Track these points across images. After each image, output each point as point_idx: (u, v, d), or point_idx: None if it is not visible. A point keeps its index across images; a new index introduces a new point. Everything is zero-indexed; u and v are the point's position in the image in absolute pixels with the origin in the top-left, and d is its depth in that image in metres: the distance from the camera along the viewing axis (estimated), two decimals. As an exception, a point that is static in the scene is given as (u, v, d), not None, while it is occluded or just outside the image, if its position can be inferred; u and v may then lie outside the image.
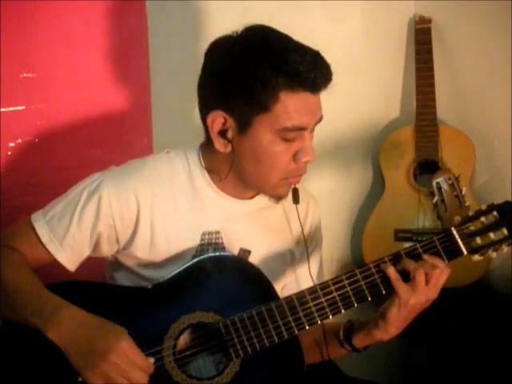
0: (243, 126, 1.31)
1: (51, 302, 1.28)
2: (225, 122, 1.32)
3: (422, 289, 1.30)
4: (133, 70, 1.83)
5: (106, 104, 1.78)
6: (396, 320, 1.34)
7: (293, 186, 1.41)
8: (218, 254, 1.39)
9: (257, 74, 1.26)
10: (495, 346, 2.03)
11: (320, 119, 1.35)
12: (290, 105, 1.28)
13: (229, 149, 1.34)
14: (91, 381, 1.21)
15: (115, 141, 1.81)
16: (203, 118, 1.37)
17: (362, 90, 2.43)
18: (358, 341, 1.42)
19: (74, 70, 1.73)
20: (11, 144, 1.67)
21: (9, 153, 1.67)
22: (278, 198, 1.40)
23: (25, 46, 1.66)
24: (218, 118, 1.32)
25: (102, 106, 1.78)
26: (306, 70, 1.26)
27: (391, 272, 1.32)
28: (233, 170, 1.37)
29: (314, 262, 1.55)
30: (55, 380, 1.27)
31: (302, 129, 1.31)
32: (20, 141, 1.68)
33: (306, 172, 1.37)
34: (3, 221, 1.60)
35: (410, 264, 1.32)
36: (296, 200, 1.43)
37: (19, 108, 1.67)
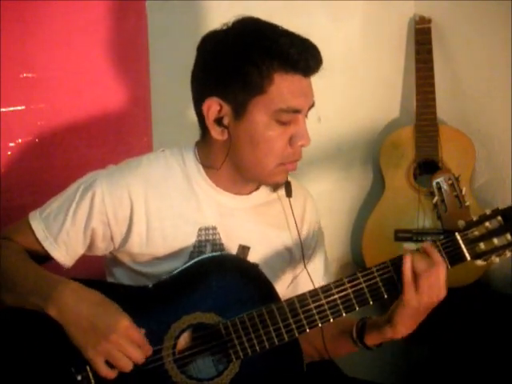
0: (239, 110, 1.32)
1: (49, 279, 1.29)
2: (220, 109, 1.34)
3: (425, 291, 1.29)
4: (133, 70, 1.83)
5: (106, 104, 1.78)
6: (401, 319, 1.34)
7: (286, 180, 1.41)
8: (218, 254, 1.39)
9: (251, 59, 1.29)
10: (495, 345, 2.03)
11: (312, 105, 1.37)
12: (284, 87, 1.30)
13: (225, 136, 1.35)
14: (92, 358, 1.23)
15: (115, 141, 1.80)
16: (198, 108, 1.38)
17: (362, 90, 2.43)
18: (370, 340, 1.42)
19: (74, 70, 1.73)
20: (11, 144, 1.67)
21: (9, 153, 1.67)
22: (276, 187, 1.43)
23: (25, 46, 1.66)
24: (213, 105, 1.34)
25: (102, 106, 1.78)
26: (298, 51, 1.29)
27: (407, 269, 1.30)
28: (229, 159, 1.38)
29: (320, 257, 1.56)
30: (53, 377, 1.27)
31: (296, 111, 1.33)
32: (20, 141, 1.68)
33: (301, 157, 1.37)
34: (3, 221, 1.60)
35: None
36: (289, 193, 1.44)
37: (19, 108, 1.67)
